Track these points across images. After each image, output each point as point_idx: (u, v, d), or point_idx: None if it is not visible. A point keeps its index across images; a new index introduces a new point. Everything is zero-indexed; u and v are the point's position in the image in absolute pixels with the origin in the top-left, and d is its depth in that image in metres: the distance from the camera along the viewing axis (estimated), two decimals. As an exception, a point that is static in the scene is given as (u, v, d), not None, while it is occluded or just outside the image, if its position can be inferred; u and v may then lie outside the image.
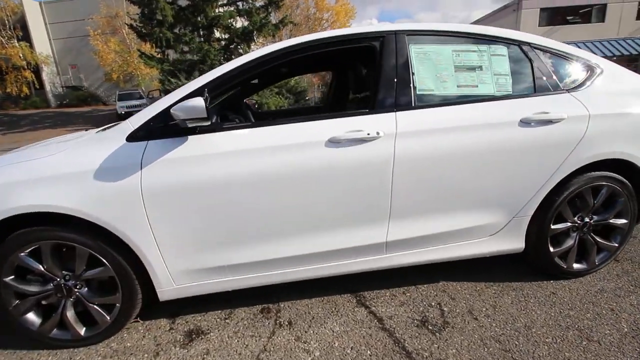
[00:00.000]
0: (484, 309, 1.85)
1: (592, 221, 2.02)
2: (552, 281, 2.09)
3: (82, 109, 22.91)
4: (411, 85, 1.73)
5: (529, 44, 1.90)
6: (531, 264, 2.15)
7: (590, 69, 1.97)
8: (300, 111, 3.42)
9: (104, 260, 1.59)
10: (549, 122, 1.77)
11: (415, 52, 1.77)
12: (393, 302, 1.93)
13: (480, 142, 1.72)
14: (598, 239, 2.05)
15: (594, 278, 2.11)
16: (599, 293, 1.96)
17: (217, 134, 1.61)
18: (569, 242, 2.02)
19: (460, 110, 1.74)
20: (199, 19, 13.94)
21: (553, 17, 23.62)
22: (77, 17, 24.51)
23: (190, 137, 1.58)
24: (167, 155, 1.55)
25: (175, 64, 13.83)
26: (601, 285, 2.03)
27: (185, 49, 14.15)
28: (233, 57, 14.02)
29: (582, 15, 23.58)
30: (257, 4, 14.40)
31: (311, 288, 2.06)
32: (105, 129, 1.95)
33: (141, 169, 1.53)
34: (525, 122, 1.75)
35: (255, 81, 2.80)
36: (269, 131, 1.64)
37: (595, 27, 22.83)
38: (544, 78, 1.87)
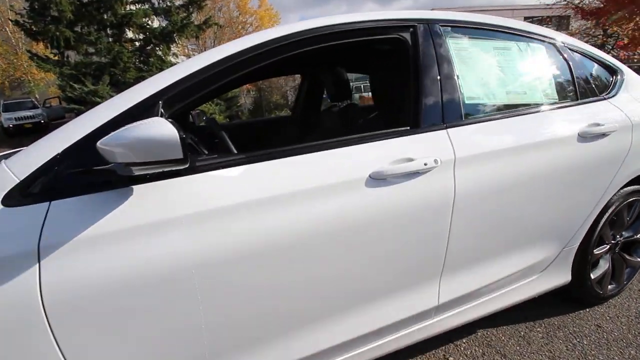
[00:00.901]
0: (545, 366, 1.50)
1: (622, 239, 1.83)
2: (587, 309, 1.86)
3: (-47, 122, 18.48)
4: (458, 91, 1.28)
5: (563, 42, 1.62)
6: (571, 295, 1.88)
7: (615, 72, 1.77)
8: (275, 122, 2.80)
9: None
10: (603, 135, 1.49)
11: (455, 48, 1.34)
12: (440, 376, 1.48)
13: (544, 163, 1.36)
14: (626, 257, 1.88)
15: (623, 300, 1.93)
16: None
17: (187, 178, 0.94)
18: (605, 265, 1.81)
19: (517, 123, 1.36)
20: (105, 16, 12.11)
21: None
22: (-60, 10, 19.79)
23: (136, 188, 0.89)
24: (92, 229, 0.84)
25: (79, 67, 11.79)
26: (635, 308, 1.85)
27: (91, 49, 12.17)
28: (151, 59, 12.50)
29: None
30: (176, 3, 13.05)
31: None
32: None
33: (39, 260, 0.80)
34: (582, 136, 1.44)
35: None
36: (278, 168, 1.03)
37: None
38: (583, 83, 1.61)
